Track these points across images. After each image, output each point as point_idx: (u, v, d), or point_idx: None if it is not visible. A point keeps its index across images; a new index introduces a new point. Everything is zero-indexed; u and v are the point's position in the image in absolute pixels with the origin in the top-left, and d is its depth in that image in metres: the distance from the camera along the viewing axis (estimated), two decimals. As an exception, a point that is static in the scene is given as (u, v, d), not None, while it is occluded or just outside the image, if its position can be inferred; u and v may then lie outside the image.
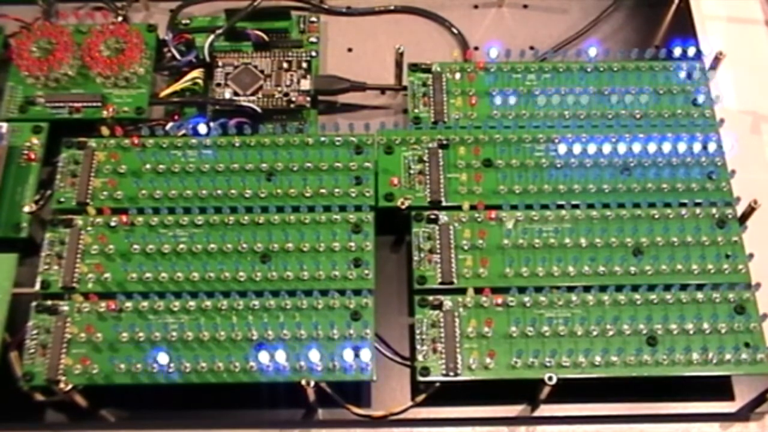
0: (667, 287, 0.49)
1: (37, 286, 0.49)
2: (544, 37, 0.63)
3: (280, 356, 0.46)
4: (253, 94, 0.58)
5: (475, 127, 0.55)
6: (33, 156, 0.54)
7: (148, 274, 0.49)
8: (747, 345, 0.48)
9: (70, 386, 0.46)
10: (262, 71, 0.59)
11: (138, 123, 0.56)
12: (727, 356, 0.47)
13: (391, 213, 0.52)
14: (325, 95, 0.59)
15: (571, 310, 0.49)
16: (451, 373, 0.47)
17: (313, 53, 0.60)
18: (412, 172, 0.53)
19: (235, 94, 0.58)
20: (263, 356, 0.47)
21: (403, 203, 0.52)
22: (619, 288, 0.49)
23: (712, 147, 0.54)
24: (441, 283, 0.50)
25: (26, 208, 0.52)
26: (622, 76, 0.56)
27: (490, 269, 0.50)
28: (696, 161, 0.53)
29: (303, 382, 0.46)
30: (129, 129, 0.55)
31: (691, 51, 0.57)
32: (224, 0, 0.62)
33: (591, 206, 0.52)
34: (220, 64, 0.59)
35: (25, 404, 0.48)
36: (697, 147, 0.53)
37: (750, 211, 0.51)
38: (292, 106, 0.57)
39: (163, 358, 0.46)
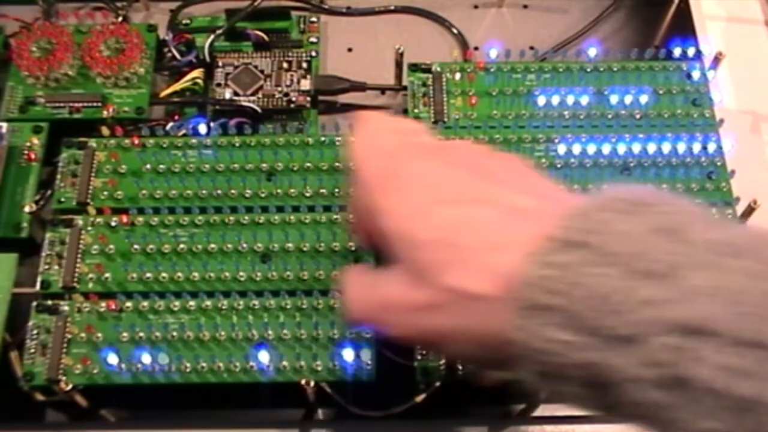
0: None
1: (38, 286, 0.49)
2: (544, 37, 0.63)
3: (280, 356, 0.46)
4: (253, 94, 0.58)
5: (475, 127, 0.55)
6: (33, 156, 0.54)
7: (148, 274, 0.49)
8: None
9: (70, 386, 0.46)
10: (262, 71, 0.59)
11: (138, 123, 0.56)
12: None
13: (391, 213, 0.52)
14: (325, 95, 0.59)
15: (571, 310, 0.48)
16: (451, 373, 0.47)
17: (313, 53, 0.60)
18: (412, 172, 0.53)
19: (235, 94, 0.58)
20: (263, 356, 0.47)
21: (403, 203, 0.52)
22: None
23: (711, 147, 0.54)
24: (441, 283, 0.49)
25: (26, 208, 0.52)
26: (622, 76, 0.56)
27: (490, 269, 0.50)
28: (696, 161, 0.53)
29: (303, 382, 0.46)
30: (129, 129, 0.55)
31: (691, 51, 0.57)
32: (224, 0, 0.62)
33: (591, 206, 0.52)
34: (220, 64, 0.59)
35: (26, 404, 0.48)
36: (696, 147, 0.53)
37: (750, 211, 0.51)
38: (292, 106, 0.57)
39: (159, 358, 0.47)
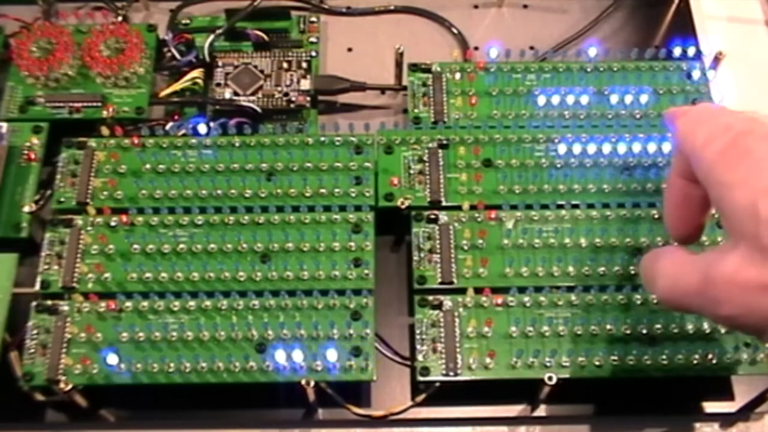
0: (667, 287, 0.49)
1: (37, 286, 0.49)
2: (544, 37, 0.63)
3: (280, 356, 0.46)
4: (253, 94, 0.58)
5: (475, 127, 0.55)
6: (33, 156, 0.54)
7: (148, 274, 0.49)
8: (747, 345, 0.48)
9: (70, 386, 0.46)
10: (262, 71, 0.59)
11: (138, 123, 0.56)
12: (727, 356, 0.47)
13: (391, 213, 0.52)
14: (325, 95, 0.59)
15: (571, 310, 0.49)
16: (451, 373, 0.47)
17: (313, 53, 0.60)
18: (412, 172, 0.53)
19: (235, 94, 0.58)
20: (263, 356, 0.47)
21: (403, 203, 0.52)
22: (618, 288, 0.49)
23: (712, 147, 0.54)
24: (441, 283, 0.50)
25: (26, 208, 0.52)
26: (622, 76, 0.56)
27: (490, 269, 0.50)
28: (696, 161, 0.53)
29: (303, 382, 0.46)
30: (129, 129, 0.55)
31: (691, 51, 0.57)
32: (224, 0, 0.62)
33: (591, 206, 0.52)
34: (220, 64, 0.59)
35: (25, 404, 0.48)
36: (697, 147, 0.53)
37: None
38: (292, 106, 0.57)
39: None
